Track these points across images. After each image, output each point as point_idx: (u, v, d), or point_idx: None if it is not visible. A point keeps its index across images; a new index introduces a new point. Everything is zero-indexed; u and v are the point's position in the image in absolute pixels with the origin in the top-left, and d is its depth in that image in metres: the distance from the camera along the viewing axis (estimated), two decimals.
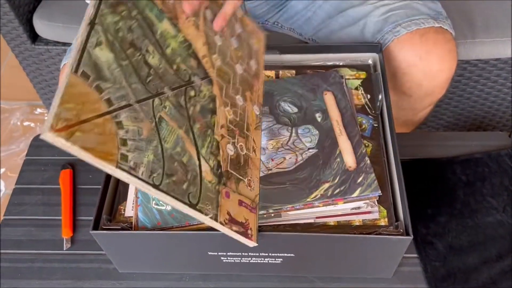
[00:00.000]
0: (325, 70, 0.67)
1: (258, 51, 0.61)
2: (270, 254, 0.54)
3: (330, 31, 0.80)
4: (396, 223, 0.52)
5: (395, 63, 0.72)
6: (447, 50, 0.71)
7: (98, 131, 0.37)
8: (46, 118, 0.34)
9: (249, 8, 0.84)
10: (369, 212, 0.54)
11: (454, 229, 0.61)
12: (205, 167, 0.45)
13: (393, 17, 0.73)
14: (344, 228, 0.53)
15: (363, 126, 0.61)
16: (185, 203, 0.42)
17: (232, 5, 0.53)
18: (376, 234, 0.51)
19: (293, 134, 0.60)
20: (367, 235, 0.50)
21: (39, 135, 0.75)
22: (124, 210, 0.57)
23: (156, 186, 0.40)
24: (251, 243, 0.48)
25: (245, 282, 0.58)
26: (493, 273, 0.57)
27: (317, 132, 0.60)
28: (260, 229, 0.51)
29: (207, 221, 0.44)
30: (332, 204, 0.54)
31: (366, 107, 0.63)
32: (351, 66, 0.68)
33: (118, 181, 0.59)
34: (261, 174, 0.56)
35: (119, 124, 0.39)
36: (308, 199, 0.54)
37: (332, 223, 0.54)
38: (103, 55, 0.40)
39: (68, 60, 0.38)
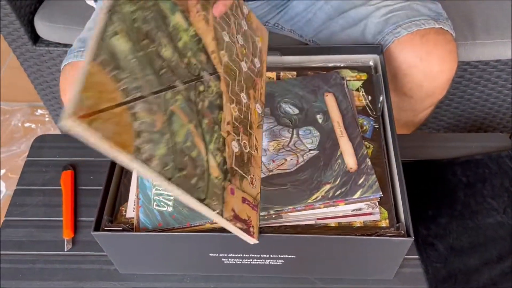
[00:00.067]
0: (326, 71, 0.67)
1: (261, 49, 0.61)
2: (271, 255, 0.54)
3: (330, 32, 0.80)
4: (397, 225, 0.52)
5: (395, 64, 0.72)
6: (448, 51, 0.72)
7: (115, 121, 0.37)
8: (65, 108, 0.34)
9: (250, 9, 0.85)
10: (370, 214, 0.54)
11: (455, 231, 0.61)
12: (212, 162, 0.45)
13: (394, 18, 0.73)
14: (345, 229, 0.53)
15: (364, 128, 0.61)
16: (194, 197, 0.42)
17: None
18: (377, 236, 0.51)
19: (294, 136, 0.60)
20: (368, 237, 0.50)
21: (40, 136, 0.76)
22: (125, 211, 0.57)
23: (168, 179, 0.40)
24: (253, 241, 0.48)
25: (246, 283, 0.58)
26: (494, 274, 0.57)
27: (318, 133, 0.60)
28: (261, 230, 0.51)
29: (214, 216, 0.44)
30: (333, 206, 0.54)
31: (367, 109, 0.63)
32: (352, 68, 0.68)
33: (119, 182, 0.59)
34: (262, 176, 0.56)
35: (134, 116, 0.39)
36: (309, 201, 0.54)
37: (333, 225, 0.54)
38: (120, 44, 0.40)
39: (86, 49, 0.38)
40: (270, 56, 0.68)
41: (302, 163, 0.57)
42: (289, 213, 0.54)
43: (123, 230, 0.53)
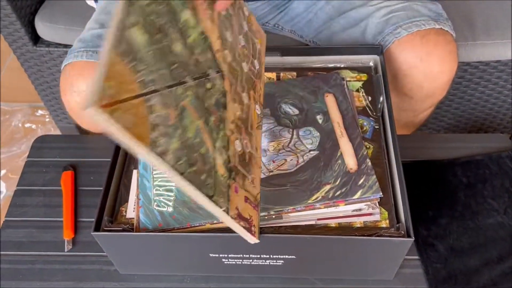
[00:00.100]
0: (326, 72, 0.67)
1: (260, 52, 0.61)
2: (271, 256, 0.54)
3: (331, 33, 0.80)
4: (397, 225, 0.52)
5: (396, 64, 0.72)
6: (448, 52, 0.72)
7: (133, 113, 0.37)
8: (88, 93, 0.33)
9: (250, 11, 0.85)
10: (370, 214, 0.54)
11: (455, 231, 0.61)
12: (218, 160, 0.45)
13: (394, 19, 0.73)
14: (345, 230, 0.53)
15: (364, 128, 0.61)
16: (203, 194, 0.42)
17: None
18: (377, 236, 0.51)
19: (294, 136, 0.60)
20: (368, 237, 0.50)
21: (40, 136, 0.76)
22: (126, 211, 0.57)
23: (181, 174, 0.40)
24: (254, 240, 0.48)
25: (246, 283, 0.58)
26: (494, 275, 0.57)
27: (318, 134, 0.60)
28: (261, 230, 0.51)
29: (220, 214, 0.44)
30: (333, 206, 0.54)
31: (367, 109, 0.63)
32: (352, 68, 0.68)
33: (119, 182, 0.59)
34: (262, 176, 0.56)
35: (150, 108, 0.39)
36: (309, 201, 0.54)
37: (333, 225, 0.54)
38: (138, 36, 0.40)
39: (105, 39, 0.37)
40: (270, 57, 0.68)
41: (302, 163, 0.57)
42: (289, 214, 0.54)
43: (123, 230, 0.53)
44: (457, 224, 0.62)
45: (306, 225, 0.54)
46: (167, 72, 0.42)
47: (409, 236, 0.50)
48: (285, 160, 0.58)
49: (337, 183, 0.55)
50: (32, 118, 1.36)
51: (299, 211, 0.54)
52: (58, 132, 1.28)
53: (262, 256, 0.54)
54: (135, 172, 0.59)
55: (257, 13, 0.87)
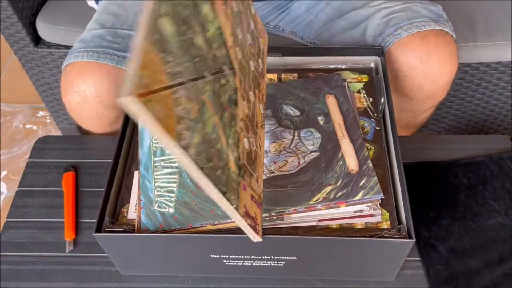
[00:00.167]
0: (327, 73, 0.67)
1: (263, 51, 0.61)
2: (272, 257, 0.54)
3: (331, 34, 0.80)
4: (398, 226, 0.52)
5: (396, 65, 0.72)
6: (448, 53, 0.72)
7: (163, 104, 0.36)
8: (124, 83, 0.33)
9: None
10: (371, 215, 0.54)
11: (456, 232, 0.61)
12: (230, 156, 0.45)
13: (394, 20, 0.73)
14: (346, 231, 0.53)
15: (365, 129, 0.61)
16: (218, 190, 0.41)
17: None
18: (379, 237, 0.51)
19: (296, 137, 0.60)
20: (370, 238, 0.50)
21: (42, 137, 0.76)
22: (127, 212, 0.57)
23: (201, 169, 0.39)
24: (258, 238, 0.48)
25: (247, 284, 0.58)
26: (495, 276, 0.57)
27: (319, 135, 0.60)
28: (263, 232, 0.51)
29: (231, 211, 0.43)
30: (335, 207, 0.54)
31: (368, 110, 0.63)
32: (353, 69, 0.68)
33: (121, 183, 0.59)
34: (264, 177, 0.56)
35: (176, 101, 0.38)
36: (310, 202, 0.54)
37: (334, 226, 0.54)
38: (167, 26, 0.39)
39: (138, 28, 0.36)
40: (271, 58, 0.68)
41: (304, 164, 0.57)
42: (290, 215, 0.54)
43: (125, 231, 0.53)
44: (458, 225, 0.62)
45: (307, 226, 0.54)
46: (192, 65, 0.41)
47: (410, 237, 0.50)
48: (286, 161, 0.58)
49: (338, 184, 0.55)
50: (33, 119, 1.36)
51: (300, 212, 0.54)
52: (59, 133, 1.28)
53: (263, 257, 0.54)
54: (136, 173, 0.59)
55: (259, 14, 0.87)
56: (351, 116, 0.61)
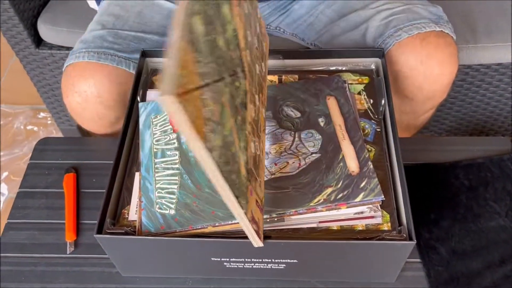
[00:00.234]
0: (328, 75, 0.67)
1: (266, 55, 0.61)
2: (273, 260, 0.54)
3: (332, 35, 0.80)
4: (399, 228, 0.52)
5: (396, 67, 0.72)
6: (448, 54, 0.72)
7: (194, 105, 0.35)
8: (161, 82, 0.32)
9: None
10: (372, 217, 0.54)
11: (457, 234, 0.61)
12: (241, 160, 0.43)
13: (395, 21, 0.73)
14: (347, 232, 0.53)
15: (366, 131, 0.61)
16: (233, 194, 0.40)
17: None
18: (379, 239, 0.51)
19: (296, 139, 0.60)
20: (370, 241, 0.50)
21: (43, 138, 0.76)
22: (128, 214, 0.57)
23: (222, 172, 0.38)
24: (260, 243, 0.47)
25: (248, 286, 0.58)
26: (496, 278, 0.57)
27: (320, 136, 0.60)
28: (264, 233, 0.51)
29: (241, 216, 0.42)
30: (335, 209, 0.54)
31: (369, 112, 0.63)
32: (353, 71, 0.68)
33: (121, 185, 0.59)
34: (265, 179, 0.56)
35: (203, 102, 0.37)
36: (311, 204, 0.54)
37: (335, 228, 0.54)
38: (198, 26, 0.38)
39: (174, 27, 0.35)
40: (272, 60, 0.68)
41: (304, 166, 0.57)
42: (291, 216, 0.54)
43: (126, 233, 0.53)
44: (459, 227, 0.62)
45: (308, 228, 0.54)
46: (216, 66, 0.40)
47: (411, 239, 0.50)
48: (287, 162, 0.58)
49: (339, 186, 0.55)
50: (34, 120, 1.36)
51: (301, 213, 0.54)
52: (60, 135, 1.28)
53: (263, 260, 0.54)
54: (137, 174, 0.59)
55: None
56: (351, 117, 0.61)
